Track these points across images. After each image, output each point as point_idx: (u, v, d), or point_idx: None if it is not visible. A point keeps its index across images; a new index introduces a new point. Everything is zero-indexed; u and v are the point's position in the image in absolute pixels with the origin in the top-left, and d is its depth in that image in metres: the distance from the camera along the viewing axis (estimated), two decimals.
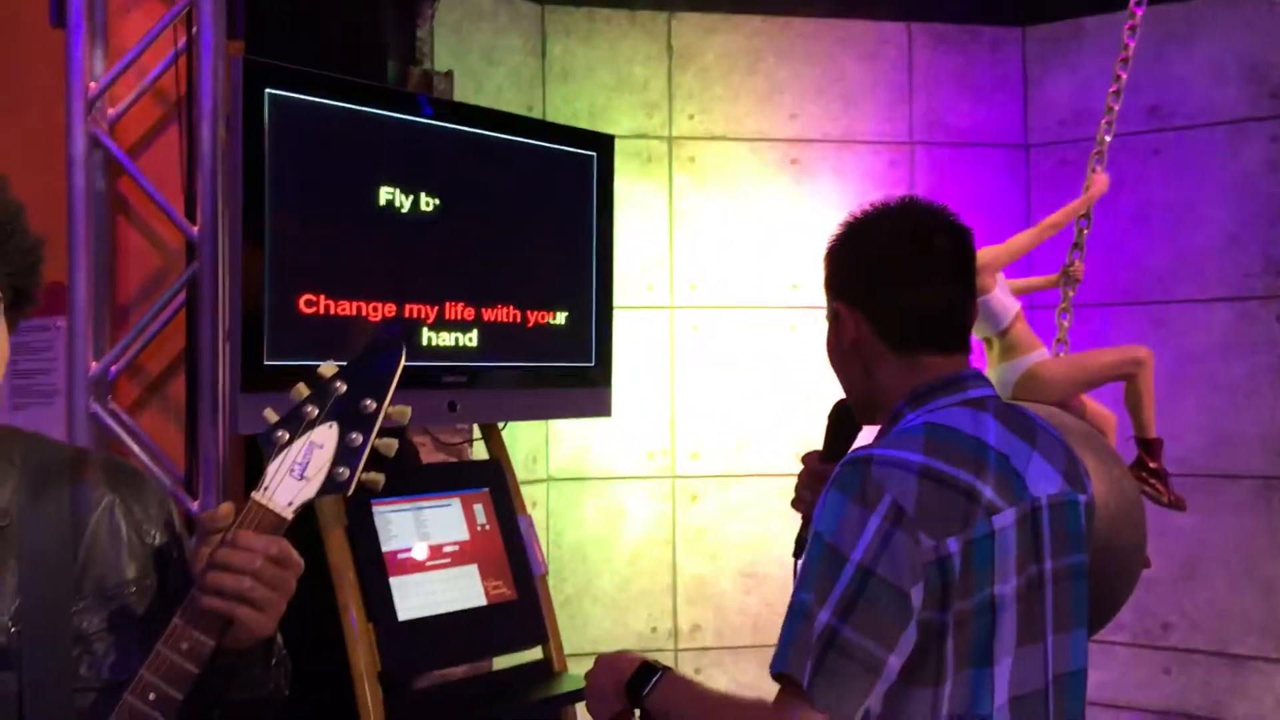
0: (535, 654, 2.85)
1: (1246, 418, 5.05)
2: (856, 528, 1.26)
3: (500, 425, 2.98)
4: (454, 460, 3.24)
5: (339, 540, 2.46)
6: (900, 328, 1.44)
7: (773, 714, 1.24)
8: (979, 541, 1.30)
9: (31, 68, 2.78)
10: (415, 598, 2.54)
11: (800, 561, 1.33)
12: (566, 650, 2.90)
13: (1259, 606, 5.02)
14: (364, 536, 2.50)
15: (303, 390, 1.18)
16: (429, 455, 3.19)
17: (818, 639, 1.23)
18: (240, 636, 1.15)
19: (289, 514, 1.15)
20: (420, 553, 2.59)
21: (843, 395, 1.72)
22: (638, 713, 1.47)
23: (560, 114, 5.09)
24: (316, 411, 1.17)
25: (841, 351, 1.50)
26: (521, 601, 2.74)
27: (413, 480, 2.73)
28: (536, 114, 5.02)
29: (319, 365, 1.20)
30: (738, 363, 5.32)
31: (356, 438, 1.16)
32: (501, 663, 3.10)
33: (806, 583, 1.27)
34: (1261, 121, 5.09)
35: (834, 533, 1.27)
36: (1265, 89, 5.09)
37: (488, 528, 2.77)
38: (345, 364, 1.19)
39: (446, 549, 2.65)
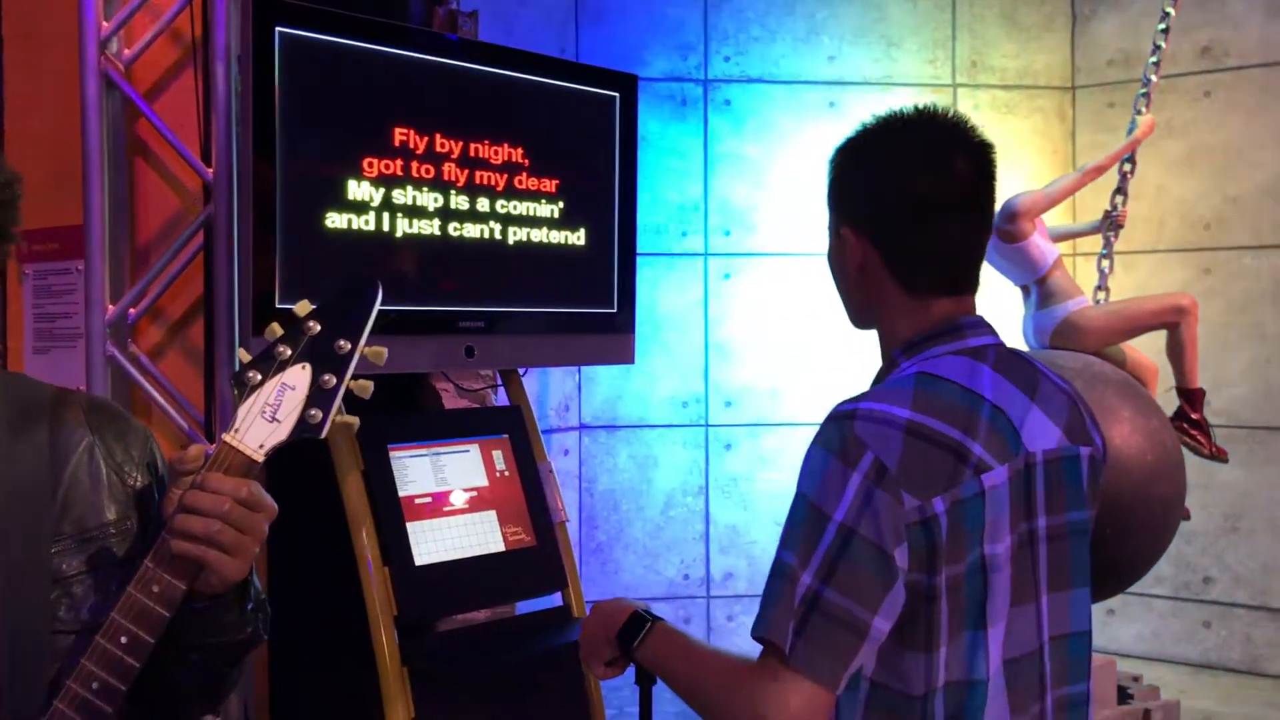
0: (558, 600, 2.85)
1: None
2: (838, 486, 1.21)
3: (521, 371, 2.95)
4: (475, 406, 3.23)
5: (355, 485, 2.45)
6: (911, 266, 1.35)
7: (753, 676, 1.20)
8: (968, 502, 1.23)
9: (49, 7, 2.76)
10: (432, 543, 2.54)
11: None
12: (599, 596, 2.88)
13: None
14: (381, 482, 2.49)
15: (276, 330, 1.15)
16: (451, 401, 3.17)
17: (800, 601, 1.18)
18: (212, 580, 1.13)
19: (260, 456, 1.13)
20: (438, 498, 2.58)
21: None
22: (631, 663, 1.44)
23: (593, 56, 5.02)
24: (289, 352, 1.14)
25: (845, 273, 1.40)
26: (540, 548, 2.73)
27: (431, 426, 2.71)
28: (569, 56, 4.95)
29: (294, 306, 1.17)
30: (772, 311, 5.27)
31: (330, 379, 1.13)
32: (524, 608, 3.11)
33: (789, 543, 1.22)
34: None
35: (816, 491, 1.22)
36: None
37: (507, 474, 2.75)
38: (319, 304, 1.16)
39: (465, 495, 2.64)
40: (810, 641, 1.17)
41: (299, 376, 1.13)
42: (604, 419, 5.21)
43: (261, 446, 1.13)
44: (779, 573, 1.21)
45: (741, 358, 5.28)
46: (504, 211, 2.70)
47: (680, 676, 1.31)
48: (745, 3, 5.28)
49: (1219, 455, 4.14)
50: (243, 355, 1.15)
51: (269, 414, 1.12)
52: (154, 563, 1.12)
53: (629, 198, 3.01)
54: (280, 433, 1.13)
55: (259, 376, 1.13)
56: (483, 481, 2.70)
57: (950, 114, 1.38)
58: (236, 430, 1.13)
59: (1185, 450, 3.96)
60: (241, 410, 1.13)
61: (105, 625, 1.11)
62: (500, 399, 3.18)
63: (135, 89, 2.62)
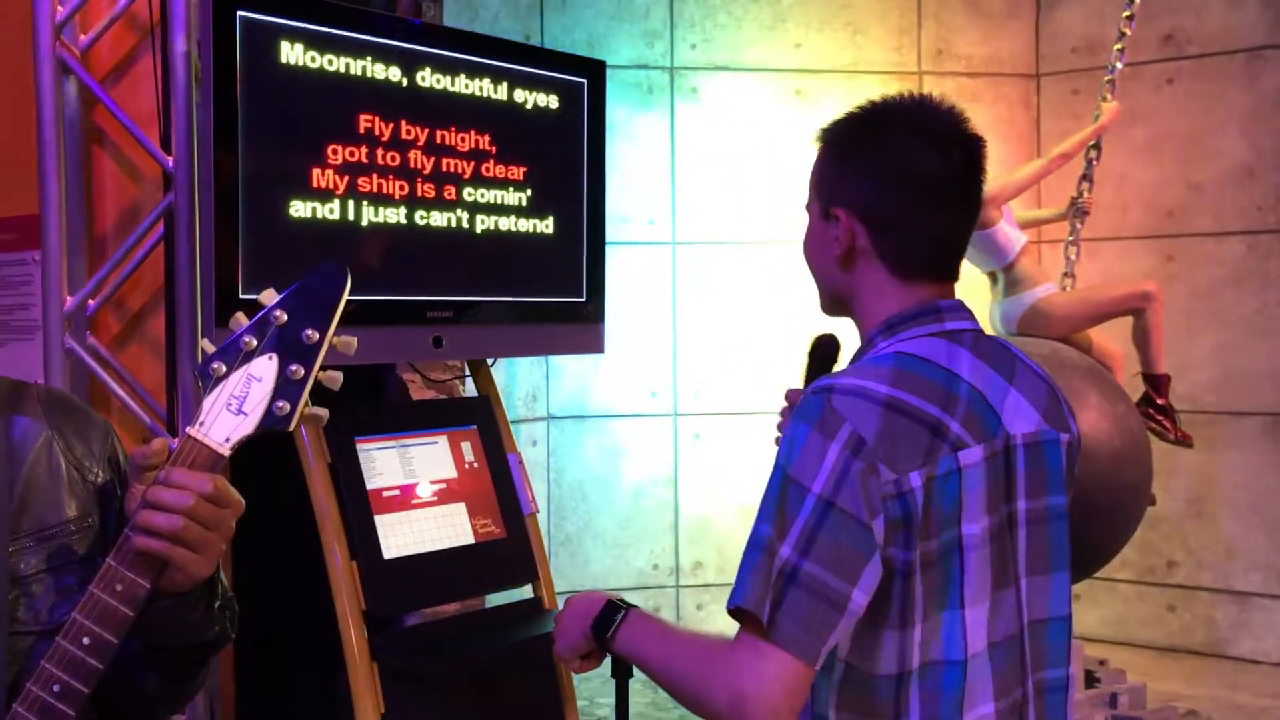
0: (529, 592, 2.82)
1: (1257, 354, 4.97)
2: (816, 458, 1.20)
3: (490, 362, 2.92)
4: (443, 397, 3.19)
5: (322, 478, 2.41)
6: (902, 247, 1.35)
7: (731, 653, 1.19)
8: (943, 478, 1.23)
9: None
10: (401, 536, 2.50)
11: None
12: (569, 587, 2.87)
13: (1264, 544, 4.98)
14: (348, 474, 2.45)
15: (241, 320, 1.12)
16: (418, 393, 3.14)
17: (778, 574, 1.17)
18: (177, 578, 1.10)
19: (226, 450, 1.09)
20: (406, 491, 2.55)
21: (821, 332, 1.66)
22: (608, 655, 1.42)
23: (559, 43, 4.98)
24: (255, 342, 1.10)
25: (829, 256, 1.39)
26: (510, 540, 2.70)
27: (398, 417, 2.68)
28: (534, 43, 4.91)
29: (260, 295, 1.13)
30: (741, 299, 5.25)
31: (298, 370, 1.10)
32: (494, 600, 3.08)
33: (767, 515, 1.21)
34: (1279, 50, 4.94)
35: (795, 464, 1.21)
36: None
37: (476, 466, 2.72)
38: (286, 292, 1.12)
39: (433, 487, 2.60)
40: (789, 614, 1.16)
41: (266, 368, 1.10)
42: (572, 409, 5.18)
43: (227, 440, 1.09)
44: (756, 545, 1.20)
45: (710, 347, 5.27)
46: (471, 199, 2.67)
47: (657, 661, 1.30)
48: None
49: (1184, 440, 4.17)
50: (206, 346, 1.12)
51: (235, 406, 1.09)
52: (116, 561, 1.08)
53: (597, 185, 2.98)
54: (247, 426, 1.09)
55: (224, 368, 1.10)
56: (451, 473, 2.66)
57: (947, 104, 1.39)
58: (201, 423, 1.09)
59: (1150, 435, 3.99)
60: (206, 403, 1.09)
61: (66, 626, 1.08)
62: (468, 389, 3.15)
63: (92, 75, 2.57)
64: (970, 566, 1.26)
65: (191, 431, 1.09)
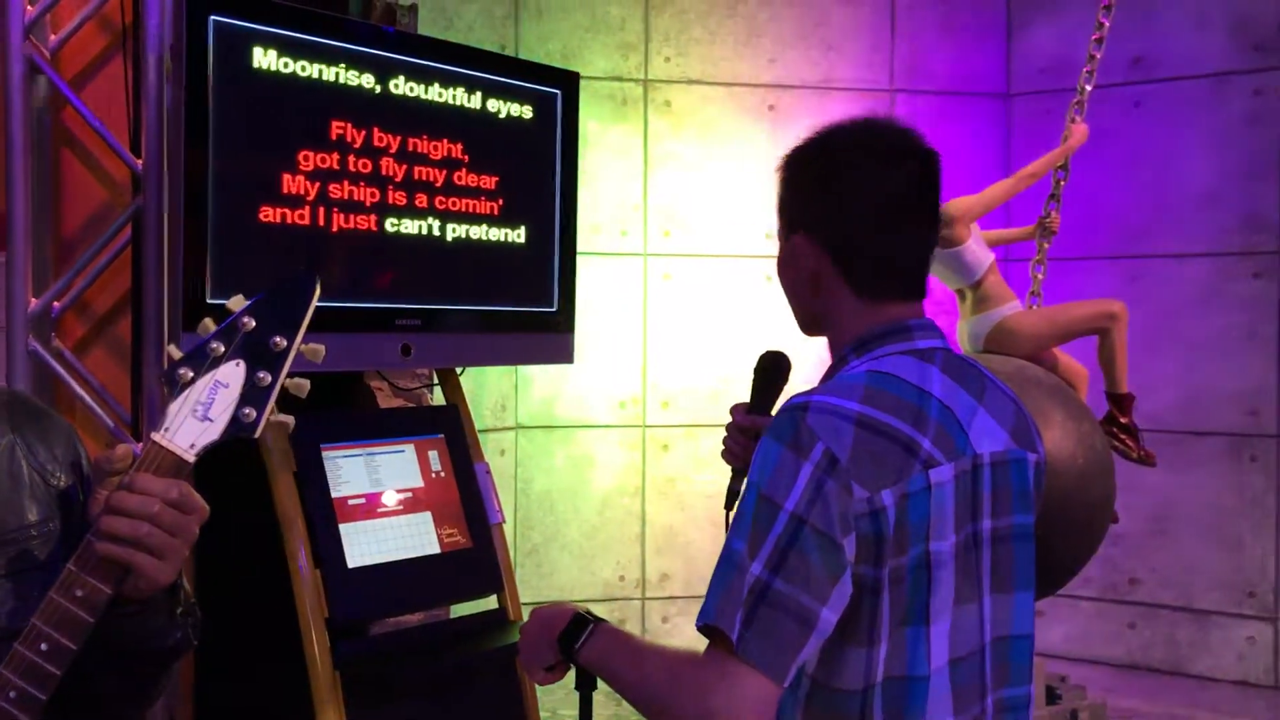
0: (494, 603, 2.82)
1: (1219, 375, 5.03)
2: (790, 476, 1.20)
3: (459, 371, 2.92)
4: (411, 406, 3.18)
5: (287, 485, 2.40)
6: (863, 269, 1.36)
7: (699, 669, 1.19)
8: (915, 496, 1.24)
9: None
10: (366, 545, 2.49)
11: (734, 511, 1.27)
12: (534, 598, 2.86)
13: (1225, 562, 5.04)
14: (313, 482, 2.45)
15: (209, 325, 1.11)
16: (386, 401, 3.12)
17: (749, 591, 1.17)
18: (139, 584, 1.09)
19: (191, 456, 1.09)
20: (372, 499, 2.54)
21: (770, 349, 1.68)
22: (572, 667, 1.42)
23: (533, 53, 4.98)
24: (222, 349, 1.10)
25: (797, 280, 1.40)
26: (477, 550, 2.70)
27: (365, 425, 2.67)
28: (509, 53, 4.91)
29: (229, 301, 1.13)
30: (711, 312, 5.26)
31: (265, 377, 1.10)
32: (459, 610, 3.07)
33: (739, 532, 1.21)
34: (1245, 74, 5.02)
35: (768, 481, 1.22)
36: (1249, 41, 5.02)
37: (443, 475, 2.71)
38: (255, 299, 1.12)
39: (399, 496, 2.60)
40: (759, 632, 1.16)
41: (233, 374, 1.09)
42: (541, 419, 5.17)
43: (192, 446, 1.08)
44: (728, 561, 1.20)
45: (679, 359, 5.28)
46: (442, 208, 2.67)
47: (624, 675, 1.29)
48: (687, 3, 5.27)
49: (1147, 459, 4.21)
50: (173, 352, 1.11)
51: (200, 413, 1.08)
52: (78, 566, 1.07)
53: (569, 196, 2.99)
54: (212, 432, 1.09)
55: (191, 374, 1.09)
56: (418, 482, 2.66)
57: (898, 123, 1.39)
58: (166, 429, 1.08)
59: (1114, 453, 4.03)
60: (172, 408, 1.09)
61: (25, 631, 1.07)
62: (436, 398, 3.14)
63: (62, 76, 2.55)
64: (938, 583, 1.27)
65: (156, 437, 1.08)
